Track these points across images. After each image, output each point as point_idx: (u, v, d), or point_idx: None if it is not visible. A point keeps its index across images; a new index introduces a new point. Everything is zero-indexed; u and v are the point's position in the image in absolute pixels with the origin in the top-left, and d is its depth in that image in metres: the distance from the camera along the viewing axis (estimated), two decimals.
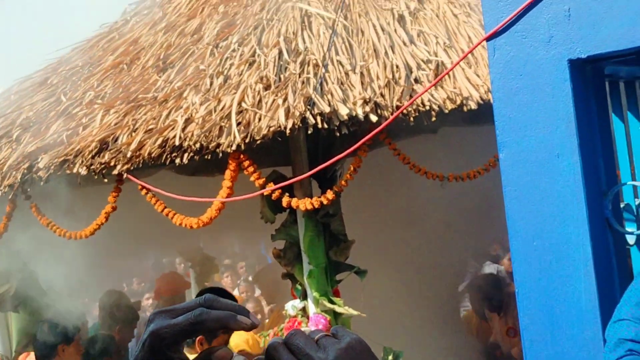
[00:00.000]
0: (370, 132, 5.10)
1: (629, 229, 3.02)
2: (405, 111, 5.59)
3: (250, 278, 12.87)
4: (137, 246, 10.39)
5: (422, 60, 6.22)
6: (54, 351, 6.79)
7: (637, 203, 3.33)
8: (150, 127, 6.08)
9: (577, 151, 2.51)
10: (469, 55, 6.28)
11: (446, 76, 6.01)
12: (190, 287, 10.33)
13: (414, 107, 5.66)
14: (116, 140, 6.19)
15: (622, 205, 3.05)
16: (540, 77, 2.51)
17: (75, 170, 6.15)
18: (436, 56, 6.29)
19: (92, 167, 6.09)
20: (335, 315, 6.14)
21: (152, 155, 5.78)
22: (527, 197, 2.64)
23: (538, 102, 2.54)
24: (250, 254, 14.36)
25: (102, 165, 6.05)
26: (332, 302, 6.10)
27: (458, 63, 4.63)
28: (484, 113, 5.81)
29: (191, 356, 2.94)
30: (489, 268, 11.19)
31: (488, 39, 2.51)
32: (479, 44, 2.78)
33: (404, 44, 6.41)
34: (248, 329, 1.25)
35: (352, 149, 4.85)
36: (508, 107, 2.60)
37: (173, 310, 1.26)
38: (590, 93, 2.57)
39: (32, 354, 8.14)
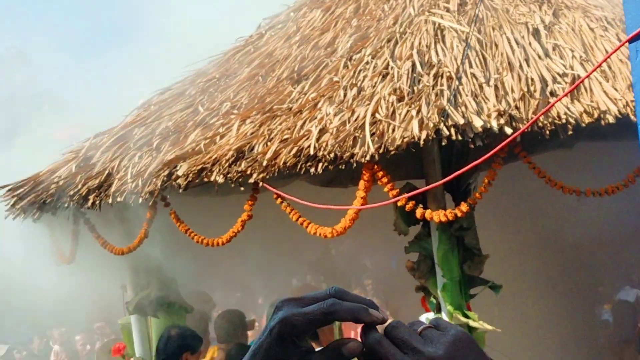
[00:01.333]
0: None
1: None
2: (541, 124, 5.52)
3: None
4: (269, 257, 10.51)
5: (558, 74, 6.13)
6: (177, 359, 6.66)
7: None
8: (285, 136, 6.18)
9: None
10: (607, 69, 6.14)
11: (583, 90, 5.90)
12: None
13: (550, 120, 5.58)
14: (252, 149, 6.31)
15: None
16: None
17: (212, 179, 6.29)
18: (572, 70, 6.18)
19: (229, 175, 6.21)
20: (470, 329, 6.06)
21: (287, 164, 5.87)
22: None
23: None
24: (381, 269, 14.28)
25: (239, 174, 6.17)
26: (466, 316, 6.04)
27: (596, 69, 4.56)
28: (620, 128, 5.68)
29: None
30: (626, 293, 10.68)
31: (630, 40, 2.47)
32: (621, 45, 2.73)
33: (539, 57, 6.34)
34: (379, 322, 1.20)
35: (485, 157, 4.81)
36: None
37: (302, 299, 1.22)
38: None
39: None
